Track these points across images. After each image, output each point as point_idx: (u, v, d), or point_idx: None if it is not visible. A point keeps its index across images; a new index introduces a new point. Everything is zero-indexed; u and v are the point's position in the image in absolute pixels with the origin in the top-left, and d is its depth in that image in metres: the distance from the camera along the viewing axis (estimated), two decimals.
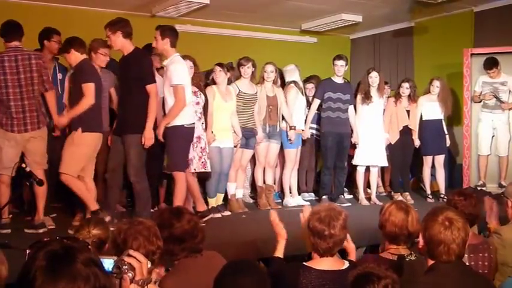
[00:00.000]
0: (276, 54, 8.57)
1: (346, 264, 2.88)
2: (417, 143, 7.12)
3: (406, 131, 7.10)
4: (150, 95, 4.87)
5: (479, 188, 7.03)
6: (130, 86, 4.93)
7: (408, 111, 7.11)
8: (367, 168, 6.99)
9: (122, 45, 4.94)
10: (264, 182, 6.56)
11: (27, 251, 1.43)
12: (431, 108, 7.10)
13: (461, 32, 8.27)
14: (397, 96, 7.13)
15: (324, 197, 6.80)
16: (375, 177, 7.10)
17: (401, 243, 3.12)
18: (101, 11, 7.74)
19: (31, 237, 4.56)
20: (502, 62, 7.17)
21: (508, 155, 7.23)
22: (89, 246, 1.46)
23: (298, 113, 6.73)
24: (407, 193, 7.10)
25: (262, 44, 9.03)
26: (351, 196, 7.29)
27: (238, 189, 6.38)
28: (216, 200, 6.03)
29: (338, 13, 8.38)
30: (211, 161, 5.75)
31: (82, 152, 4.89)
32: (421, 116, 7.13)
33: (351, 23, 8.69)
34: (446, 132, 7.24)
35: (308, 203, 6.60)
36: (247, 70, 6.23)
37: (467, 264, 2.90)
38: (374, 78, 6.85)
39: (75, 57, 4.92)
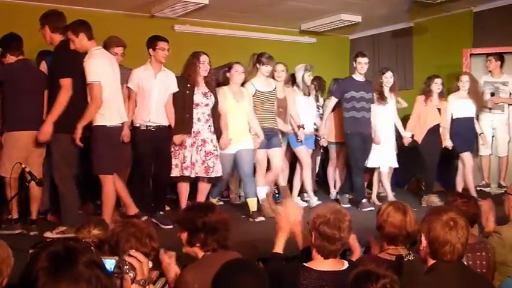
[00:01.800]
0: (275, 54, 8.48)
1: (346, 264, 2.88)
2: (449, 143, 6.87)
3: (434, 130, 6.82)
4: (61, 88, 4.61)
5: (478, 189, 6.99)
6: (52, 82, 4.78)
7: (439, 110, 6.84)
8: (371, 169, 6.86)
9: (51, 39, 4.82)
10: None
11: (30, 251, 1.44)
12: (462, 105, 6.87)
13: (460, 32, 8.28)
14: (428, 93, 6.82)
15: (363, 200, 6.44)
16: (386, 178, 6.87)
17: (400, 243, 3.13)
18: (100, 11, 7.73)
19: (33, 238, 4.58)
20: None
21: (507, 155, 7.23)
22: (92, 248, 1.47)
23: (300, 113, 6.54)
24: (434, 195, 6.77)
25: (262, 44, 9.00)
26: (351, 196, 7.19)
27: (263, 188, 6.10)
28: (251, 205, 5.80)
29: (337, 13, 8.39)
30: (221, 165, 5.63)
31: (8, 154, 4.79)
32: (452, 114, 6.90)
33: (350, 23, 8.70)
34: (479, 131, 7.04)
35: (305, 203, 6.55)
36: (270, 69, 6.02)
37: (465, 264, 2.92)
38: (389, 78, 6.70)
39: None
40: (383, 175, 6.87)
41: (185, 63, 5.59)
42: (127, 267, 1.75)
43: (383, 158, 6.77)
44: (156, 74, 5.36)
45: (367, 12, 8.29)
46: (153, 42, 5.35)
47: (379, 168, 6.91)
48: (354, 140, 6.51)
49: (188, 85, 5.43)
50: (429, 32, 8.84)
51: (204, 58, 5.50)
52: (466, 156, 6.87)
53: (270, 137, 6.02)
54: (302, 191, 7.09)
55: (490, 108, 7.19)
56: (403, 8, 8.14)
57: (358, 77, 6.62)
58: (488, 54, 7.23)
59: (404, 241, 3.13)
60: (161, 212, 5.44)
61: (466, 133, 6.90)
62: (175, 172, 5.48)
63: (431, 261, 2.56)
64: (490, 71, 7.20)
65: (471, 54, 7.38)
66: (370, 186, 7.13)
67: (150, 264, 1.87)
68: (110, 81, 4.75)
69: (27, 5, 7.31)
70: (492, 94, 7.11)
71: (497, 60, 7.10)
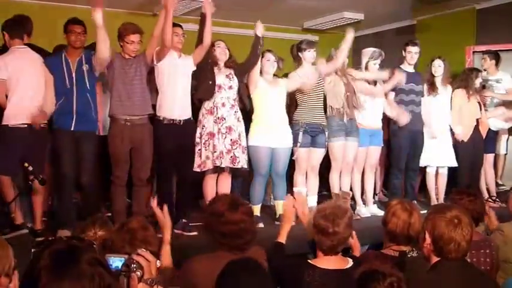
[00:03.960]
0: (278, 52, 8.50)
1: (350, 262, 2.88)
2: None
3: (476, 127, 6.43)
4: None
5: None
6: None
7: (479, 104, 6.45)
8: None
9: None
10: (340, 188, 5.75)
11: (33, 250, 1.44)
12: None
13: (463, 30, 8.26)
14: (467, 87, 6.39)
15: None
16: (444, 181, 6.28)
17: (401, 243, 3.13)
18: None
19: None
20: (504, 59, 7.17)
21: (506, 153, 7.17)
22: (94, 246, 1.47)
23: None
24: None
25: (264, 42, 8.98)
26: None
27: (311, 196, 5.53)
28: (277, 209, 5.28)
29: (340, 11, 8.37)
30: (257, 161, 5.19)
31: None
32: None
33: (352, 21, 8.68)
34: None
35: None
36: (314, 54, 5.57)
37: (469, 261, 2.91)
38: (437, 67, 6.22)
39: None
40: (441, 177, 6.28)
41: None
42: (135, 265, 1.75)
43: (440, 156, 6.22)
44: (178, 58, 5.13)
45: (369, 10, 8.27)
46: None
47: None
48: (399, 138, 6.00)
49: (209, 61, 5.16)
50: (432, 29, 8.82)
51: (218, 42, 5.26)
52: (486, 157, 6.68)
53: (315, 135, 5.45)
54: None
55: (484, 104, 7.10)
56: (406, 5, 8.13)
57: (408, 67, 6.14)
58: (484, 53, 7.20)
59: (405, 241, 3.13)
60: (183, 220, 4.96)
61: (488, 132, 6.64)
62: (208, 165, 4.98)
63: (434, 259, 2.56)
64: (485, 69, 7.17)
65: (474, 52, 7.36)
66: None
67: (159, 264, 1.85)
68: (18, 80, 4.64)
69: (27, 4, 7.33)
70: (483, 87, 7.02)
71: (491, 59, 7.05)
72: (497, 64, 7.08)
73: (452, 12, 8.36)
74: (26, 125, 4.63)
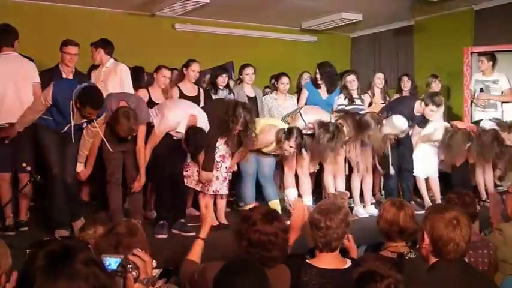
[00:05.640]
0: (276, 53, 8.59)
1: (348, 263, 2.87)
2: None
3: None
4: None
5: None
6: None
7: None
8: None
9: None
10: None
11: (28, 251, 1.44)
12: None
13: (461, 31, 8.28)
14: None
15: None
16: (437, 183, 6.28)
17: (397, 239, 3.13)
18: (101, 10, 7.73)
19: (31, 236, 4.55)
20: (502, 60, 7.18)
21: None
22: (89, 246, 1.47)
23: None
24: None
25: (263, 42, 9.04)
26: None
27: (306, 197, 5.58)
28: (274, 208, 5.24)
29: (338, 12, 8.39)
30: (244, 162, 5.34)
31: None
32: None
33: (351, 21, 8.70)
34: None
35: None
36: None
37: (467, 261, 2.91)
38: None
39: None
40: (431, 179, 6.30)
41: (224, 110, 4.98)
42: (130, 266, 1.75)
43: (426, 167, 6.25)
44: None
45: (368, 10, 8.28)
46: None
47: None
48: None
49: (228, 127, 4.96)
50: (430, 30, 8.84)
51: (239, 112, 4.91)
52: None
53: None
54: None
55: (484, 106, 7.11)
56: (404, 6, 8.14)
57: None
58: (480, 54, 7.20)
59: (398, 236, 3.12)
60: (182, 220, 4.93)
61: None
62: (192, 184, 5.06)
63: (433, 260, 2.55)
64: (481, 71, 7.18)
65: (472, 53, 7.37)
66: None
67: (155, 264, 1.85)
68: (7, 83, 4.80)
69: (28, 4, 7.33)
70: (481, 90, 7.04)
71: (489, 60, 7.08)
72: (493, 66, 7.10)
73: (450, 13, 8.38)
74: (7, 125, 4.71)
